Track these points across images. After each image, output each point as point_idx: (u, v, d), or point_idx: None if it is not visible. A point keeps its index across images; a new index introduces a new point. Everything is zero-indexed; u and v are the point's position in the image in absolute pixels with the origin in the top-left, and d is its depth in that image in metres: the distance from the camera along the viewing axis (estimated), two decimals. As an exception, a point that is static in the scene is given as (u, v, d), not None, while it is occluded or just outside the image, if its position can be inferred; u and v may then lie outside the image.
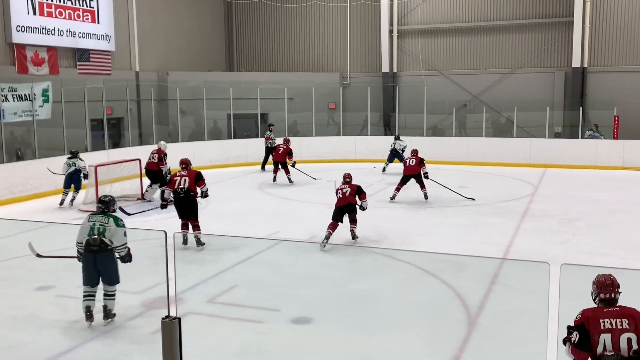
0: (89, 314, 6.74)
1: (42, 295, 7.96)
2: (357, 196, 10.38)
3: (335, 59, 25.82)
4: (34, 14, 17.24)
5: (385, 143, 20.41)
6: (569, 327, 4.32)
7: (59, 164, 14.60)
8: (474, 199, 14.19)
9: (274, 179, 17.11)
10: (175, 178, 10.33)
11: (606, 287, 4.33)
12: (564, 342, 4.35)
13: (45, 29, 17.61)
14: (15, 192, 14.49)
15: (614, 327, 4.14)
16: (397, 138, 19.44)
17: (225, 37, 27.16)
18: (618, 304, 4.32)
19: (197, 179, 10.23)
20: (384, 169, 19.08)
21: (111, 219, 6.92)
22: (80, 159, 14.02)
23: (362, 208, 10.47)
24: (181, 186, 10.16)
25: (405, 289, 7.90)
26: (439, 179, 15.01)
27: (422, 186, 14.05)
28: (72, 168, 13.81)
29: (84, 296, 6.78)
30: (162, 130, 21.05)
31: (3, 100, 15.56)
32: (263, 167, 19.38)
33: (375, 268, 8.66)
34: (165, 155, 14.27)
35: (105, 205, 7.13)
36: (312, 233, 11.14)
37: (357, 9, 25.12)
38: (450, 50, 24.18)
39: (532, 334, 6.26)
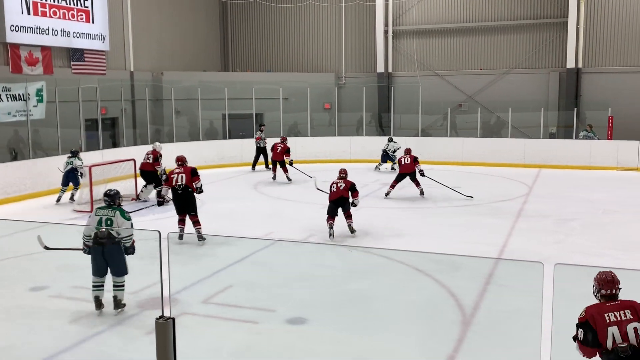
0: (98, 303, 7.02)
1: (36, 295, 7.93)
2: (350, 192, 10.80)
3: (331, 59, 25.82)
4: (28, 13, 17.18)
5: (381, 144, 20.45)
6: (576, 325, 4.44)
7: (56, 163, 14.81)
8: (472, 197, 14.33)
9: (274, 177, 17.34)
10: (172, 175, 10.53)
11: (607, 284, 4.50)
12: (574, 339, 4.49)
13: (40, 28, 17.55)
14: (9, 192, 14.44)
15: (619, 319, 4.27)
16: (390, 140, 19.49)
17: (221, 37, 27.13)
18: (618, 299, 4.47)
19: (193, 174, 10.50)
20: (376, 167, 19.47)
21: (117, 212, 7.22)
22: (79, 158, 14.32)
23: (353, 204, 10.87)
24: (179, 183, 10.41)
25: (400, 289, 7.90)
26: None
27: (417, 184, 14.46)
28: (69, 166, 14.11)
29: (93, 286, 7.03)
30: (157, 130, 21.01)
31: (-3, 100, 15.54)
32: (253, 167, 19.45)
33: (370, 268, 8.65)
34: (160, 156, 14.25)
35: (111, 199, 7.40)
36: (307, 233, 11.14)
37: (352, 9, 25.13)
38: (445, 50, 24.21)
39: (527, 333, 6.27)
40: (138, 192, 14.47)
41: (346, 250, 9.77)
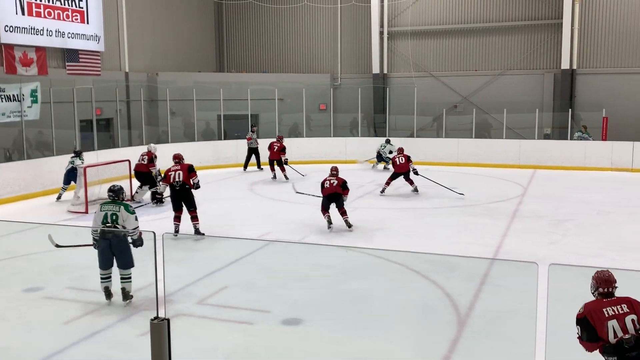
0: (108, 293, 7.36)
1: (30, 296, 7.90)
2: (341, 189, 11.50)
3: (326, 60, 25.82)
4: (23, 14, 17.12)
5: (376, 145, 20.51)
6: (576, 321, 4.62)
7: (51, 164, 14.91)
8: (463, 195, 14.55)
9: (274, 177, 17.67)
10: (170, 173, 10.81)
11: (605, 282, 4.68)
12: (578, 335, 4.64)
13: (34, 29, 17.49)
14: (3, 194, 14.39)
15: (617, 312, 4.47)
16: (387, 141, 19.54)
17: (216, 37, 27.10)
18: (615, 297, 4.67)
19: (190, 171, 10.79)
20: (373, 166, 19.74)
21: (122, 207, 7.54)
22: (80, 158, 14.55)
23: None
24: (176, 180, 10.71)
25: (395, 290, 7.90)
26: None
27: (411, 182, 14.96)
28: (70, 166, 14.36)
29: (102, 279, 7.37)
30: (152, 131, 20.96)
31: (-9, 101, 15.48)
32: (245, 168, 19.53)
33: (366, 269, 8.65)
34: (155, 157, 14.22)
35: (115, 194, 7.74)
36: (303, 233, 11.15)
37: (348, 10, 25.14)
38: (440, 51, 24.25)
39: (522, 334, 6.28)
40: (133, 193, 14.44)
41: (342, 251, 9.77)
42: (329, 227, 11.26)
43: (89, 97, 18.06)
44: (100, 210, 7.60)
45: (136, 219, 7.59)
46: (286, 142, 18.48)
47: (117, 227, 7.41)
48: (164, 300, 4.45)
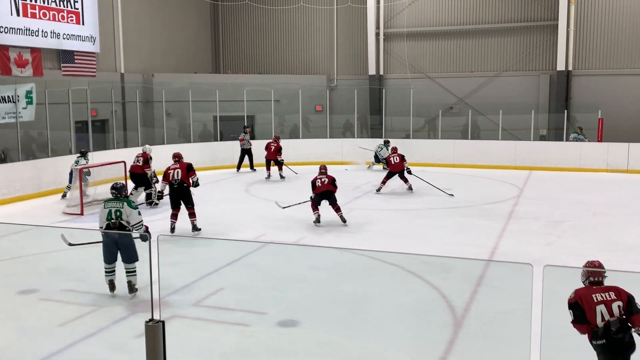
0: (112, 286, 7.63)
1: (25, 298, 7.87)
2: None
3: (322, 61, 25.83)
4: (18, 15, 17.07)
5: (373, 145, 20.54)
6: (568, 306, 4.95)
7: (46, 166, 14.93)
8: (452, 195, 14.81)
9: (268, 176, 17.91)
10: (169, 171, 11.13)
11: (595, 272, 5.05)
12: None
13: (29, 30, 17.45)
14: (-2, 195, 14.36)
15: (606, 299, 4.83)
16: (386, 142, 19.54)
17: (212, 39, 27.09)
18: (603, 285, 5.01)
19: (188, 170, 11.14)
20: (369, 167, 19.87)
21: (125, 203, 7.85)
22: (85, 158, 14.88)
23: None
24: (175, 178, 11.05)
25: (391, 291, 7.90)
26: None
27: (406, 180, 15.38)
28: (75, 165, 14.58)
29: (106, 272, 7.63)
30: (148, 132, 20.92)
31: (-14, 102, 15.44)
32: (238, 169, 19.59)
33: (361, 270, 8.65)
34: (150, 158, 14.18)
35: (118, 191, 8.01)
36: (299, 235, 11.14)
37: (344, 11, 25.15)
38: (436, 53, 24.28)
39: (517, 335, 6.28)
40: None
41: (338, 252, 9.76)
42: (317, 223, 11.77)
43: (84, 98, 18.02)
44: (104, 208, 7.86)
45: (139, 214, 7.90)
46: (282, 143, 18.60)
47: (121, 223, 7.71)
48: (159, 302, 4.44)
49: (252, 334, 6.78)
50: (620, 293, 4.87)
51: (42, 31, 17.89)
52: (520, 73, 23.11)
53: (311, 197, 12.09)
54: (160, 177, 14.39)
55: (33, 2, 17.53)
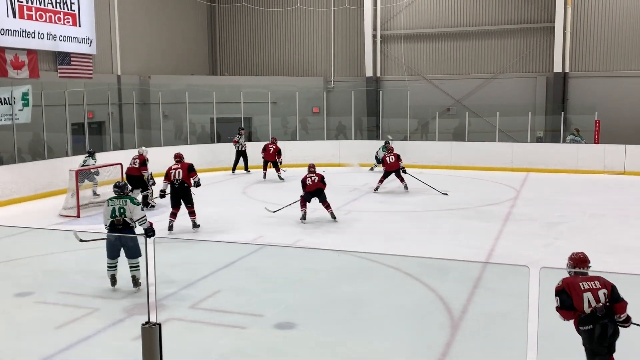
0: (113, 281, 7.93)
1: (21, 301, 7.84)
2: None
3: (319, 63, 25.83)
4: (14, 16, 17.04)
5: (369, 147, 20.57)
6: (555, 293, 5.19)
7: (42, 168, 15.04)
8: (447, 194, 15.10)
9: (264, 176, 18.17)
10: (170, 171, 11.48)
11: (580, 262, 5.47)
12: (556, 308, 5.21)
13: (26, 32, 17.41)
14: (-6, 197, 14.31)
15: (592, 287, 5.11)
16: (387, 143, 19.53)
17: (209, 40, 27.07)
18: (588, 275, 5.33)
19: (190, 170, 11.51)
20: (371, 168, 19.98)
21: (127, 200, 8.13)
22: (93, 158, 15.27)
23: None
24: (176, 178, 11.40)
25: (388, 293, 7.89)
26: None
27: (402, 179, 15.70)
28: (83, 165, 15.03)
29: (108, 267, 7.90)
30: (144, 134, 20.89)
31: (-18, 104, 15.40)
32: (233, 170, 19.63)
33: (358, 272, 8.64)
34: (147, 160, 14.14)
35: (121, 189, 8.31)
36: (296, 237, 11.13)
37: (341, 13, 25.16)
38: (433, 55, 24.30)
39: (514, 336, 6.28)
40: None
41: (335, 255, 9.75)
42: (303, 220, 12.18)
43: (81, 100, 17.99)
44: (108, 206, 8.11)
45: (142, 209, 8.25)
46: (280, 144, 18.66)
47: (125, 220, 8.00)
48: (156, 305, 4.42)
49: (249, 337, 6.77)
50: (604, 282, 5.15)
51: (39, 33, 17.86)
52: (517, 75, 23.14)
53: (301, 196, 12.41)
54: (157, 179, 14.44)
55: (29, 4, 17.50)
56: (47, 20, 18.15)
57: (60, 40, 18.63)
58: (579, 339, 5.32)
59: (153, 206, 13.72)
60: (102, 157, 16.87)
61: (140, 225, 8.13)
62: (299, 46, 26.10)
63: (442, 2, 23.93)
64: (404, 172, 15.67)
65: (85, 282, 8.45)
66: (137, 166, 14.00)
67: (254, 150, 19.22)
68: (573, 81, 22.39)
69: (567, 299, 5.11)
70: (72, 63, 19.15)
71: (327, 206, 12.34)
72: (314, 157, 20.93)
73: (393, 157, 15.66)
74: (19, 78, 17.17)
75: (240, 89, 21.65)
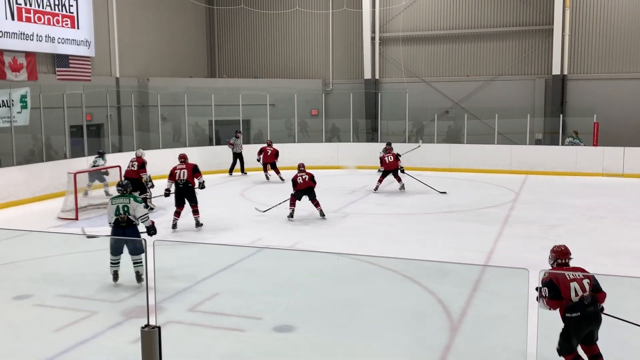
0: (115, 277, 8.16)
1: (19, 304, 7.82)
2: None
3: (318, 65, 25.85)
4: (12, 19, 17.04)
5: (368, 150, 20.57)
6: (538, 287, 5.41)
7: (40, 170, 15.06)
8: (445, 192, 15.50)
9: (267, 177, 18.51)
10: (175, 171, 11.80)
11: (562, 255, 5.73)
12: (537, 299, 5.44)
13: (24, 34, 17.41)
14: (-8, 200, 14.29)
15: (576, 277, 5.42)
16: (389, 144, 19.53)
17: (207, 43, 27.08)
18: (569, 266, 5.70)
19: (194, 171, 11.85)
20: (379, 170, 19.93)
21: (131, 198, 8.37)
22: (103, 158, 15.58)
23: None
24: (181, 178, 11.72)
25: (387, 296, 7.88)
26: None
27: (399, 179, 15.96)
28: (93, 165, 15.37)
29: (111, 263, 8.14)
30: (143, 136, 20.88)
31: (-19, 107, 15.37)
32: (230, 173, 19.72)
33: (357, 275, 8.63)
34: (145, 162, 14.10)
35: (124, 188, 8.57)
36: (294, 240, 11.11)
37: (339, 16, 25.18)
38: (431, 57, 24.32)
39: (513, 339, 6.27)
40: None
41: (333, 257, 9.74)
42: (291, 218, 12.54)
43: (79, 102, 17.97)
44: (112, 204, 8.33)
45: (145, 207, 8.46)
46: (278, 147, 18.77)
47: (129, 217, 8.23)
48: (155, 308, 4.41)
49: (248, 340, 6.76)
50: (585, 272, 5.53)
51: (37, 35, 17.85)
52: (516, 77, 23.16)
53: (292, 194, 12.73)
54: (155, 182, 14.44)
55: (28, 7, 17.50)
56: (46, 23, 18.14)
57: (59, 43, 18.62)
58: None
59: (152, 208, 13.70)
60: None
61: (142, 222, 8.34)
62: (298, 48, 26.11)
63: (440, 5, 23.95)
64: (402, 171, 15.92)
65: (84, 285, 8.44)
66: (135, 169, 13.97)
67: (253, 152, 19.25)
68: (572, 83, 22.42)
69: (555, 289, 5.33)
70: (71, 65, 19.14)
71: (317, 204, 12.72)
72: (312, 160, 20.99)
73: (391, 157, 15.90)
74: (18, 80, 17.16)
75: (239, 92, 21.66)
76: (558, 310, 5.40)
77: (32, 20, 17.69)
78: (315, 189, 12.86)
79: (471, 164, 20.39)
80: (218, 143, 21.48)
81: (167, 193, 12.09)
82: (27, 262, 9.28)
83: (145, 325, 4.03)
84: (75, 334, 6.69)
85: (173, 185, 11.91)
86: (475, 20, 23.58)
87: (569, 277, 5.42)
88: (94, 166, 15.21)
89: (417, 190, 15.68)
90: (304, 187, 12.68)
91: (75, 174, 13.42)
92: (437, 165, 20.52)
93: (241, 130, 20.69)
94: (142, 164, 13.96)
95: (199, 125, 22.54)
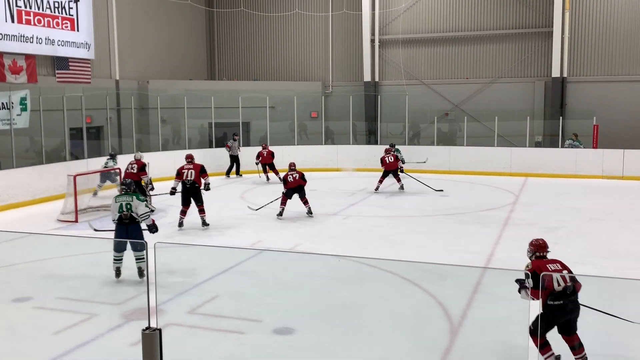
0: (118, 273, 8.37)
1: (19, 306, 7.81)
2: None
3: (318, 68, 25.86)
4: (12, 21, 17.03)
5: (368, 152, 20.57)
6: (520, 279, 5.72)
7: (40, 172, 15.10)
8: (442, 190, 16.06)
9: (267, 179, 18.84)
10: (183, 170, 12.04)
11: (541, 248, 6.03)
12: (519, 290, 5.70)
13: (24, 36, 17.40)
14: (-8, 202, 14.27)
15: (557, 268, 5.75)
16: (392, 145, 19.54)
17: (207, 45, 27.09)
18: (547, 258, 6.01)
19: (202, 171, 12.14)
20: None
21: (134, 196, 8.63)
22: (114, 160, 15.82)
23: None
24: (188, 178, 11.96)
25: (387, 298, 7.88)
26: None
27: (399, 179, 16.28)
28: (104, 166, 15.63)
29: (114, 260, 8.36)
30: (143, 139, 20.88)
31: (-20, 109, 15.37)
32: (227, 174, 19.79)
33: (357, 277, 8.62)
34: (145, 165, 14.07)
35: (127, 187, 8.90)
36: (294, 242, 11.10)
37: (339, 18, 25.20)
38: (431, 59, 24.33)
39: (514, 342, 6.27)
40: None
41: (333, 259, 9.74)
42: (280, 217, 12.93)
43: (79, 105, 17.96)
44: (116, 202, 8.58)
45: (146, 206, 8.69)
46: (277, 149, 18.98)
47: (132, 215, 8.48)
48: (156, 310, 4.40)
49: (248, 342, 6.74)
50: (562, 264, 5.85)
51: (37, 38, 17.85)
52: (516, 79, 23.18)
53: (283, 192, 13.08)
54: (155, 184, 14.45)
55: (28, 9, 17.50)
56: (46, 25, 18.14)
57: (59, 45, 18.62)
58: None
59: (152, 210, 13.65)
60: (100, 162, 16.87)
61: (143, 220, 8.56)
62: (297, 51, 26.12)
63: (440, 7, 23.97)
64: (401, 171, 16.38)
65: (84, 288, 8.43)
66: (135, 171, 13.94)
67: (252, 154, 19.33)
68: (571, 86, 22.43)
69: (538, 280, 5.58)
70: (71, 68, 19.14)
71: (305, 202, 13.15)
72: (311, 162, 21.02)
73: (392, 158, 16.22)
74: (17, 83, 17.15)
75: (239, 94, 21.66)
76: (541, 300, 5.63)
77: (32, 23, 17.68)
78: (314, 189, 13.13)
79: (471, 166, 20.39)
80: (217, 145, 21.48)
81: (173, 191, 12.31)
82: (26, 264, 9.28)
83: (146, 328, 4.02)
84: (75, 337, 6.68)
85: (180, 184, 12.11)
86: (474, 22, 23.60)
87: (550, 268, 5.74)
88: (104, 167, 15.47)
89: (417, 192, 15.70)
90: (295, 186, 13.05)
91: (75, 176, 13.40)
92: (437, 168, 20.51)
93: (239, 133, 20.73)
94: (142, 167, 13.94)
95: (203, 127, 22.57)
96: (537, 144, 21.90)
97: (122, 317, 7.27)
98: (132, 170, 14.01)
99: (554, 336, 5.63)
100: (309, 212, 13.16)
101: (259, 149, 19.22)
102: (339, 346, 6.51)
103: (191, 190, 12.03)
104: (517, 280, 5.74)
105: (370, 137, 23.81)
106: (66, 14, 18.85)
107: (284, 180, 13.27)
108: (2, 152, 16.31)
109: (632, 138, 20.57)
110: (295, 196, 13.18)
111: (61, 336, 6.63)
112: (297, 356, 6.42)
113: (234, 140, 19.82)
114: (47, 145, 16.60)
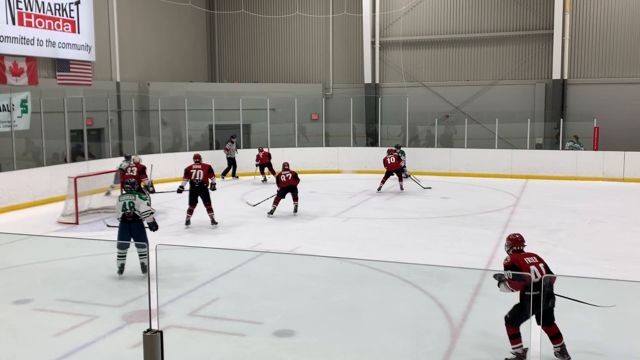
0: (121, 269, 8.65)
1: (19, 308, 7.81)
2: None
3: (318, 70, 25.87)
4: (13, 23, 17.05)
5: (368, 154, 20.57)
6: (498, 274, 5.93)
7: (41, 174, 15.09)
8: (430, 188, 16.77)
9: (264, 179, 19.10)
10: (191, 170, 12.30)
11: (518, 242, 6.29)
12: (499, 284, 5.89)
13: (25, 38, 17.42)
14: (-7, 204, 14.27)
15: (534, 261, 6.03)
16: (397, 147, 19.52)
17: (208, 47, 27.10)
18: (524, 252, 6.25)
19: (209, 171, 12.38)
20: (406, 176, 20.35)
21: (137, 195, 8.95)
22: (129, 162, 15.40)
23: None
24: (197, 178, 12.22)
25: (388, 300, 7.87)
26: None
27: (400, 179, 16.78)
28: (119, 167, 15.65)
29: (118, 256, 8.66)
30: (143, 141, 20.89)
31: (-19, 111, 15.38)
32: (223, 176, 19.85)
33: (358, 279, 8.62)
34: (145, 168, 14.05)
35: (132, 186, 9.20)
36: (295, 244, 11.10)
37: (340, 20, 25.21)
38: (432, 62, 24.34)
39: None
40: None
41: (334, 262, 9.73)
42: (270, 215, 13.29)
43: (80, 107, 17.98)
44: (120, 201, 8.91)
45: (148, 204, 9.00)
46: (277, 151, 19.17)
47: (135, 213, 8.80)
48: (157, 312, 4.40)
49: (249, 344, 6.74)
50: (539, 257, 6.14)
51: (38, 40, 17.86)
52: (516, 82, 23.19)
53: (277, 191, 13.51)
54: (156, 187, 14.47)
55: (29, 11, 17.51)
56: (47, 27, 18.16)
57: (60, 47, 18.64)
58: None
59: (152, 212, 13.66)
60: (101, 164, 16.88)
61: (144, 218, 8.87)
62: (298, 53, 26.14)
63: (440, 9, 23.99)
64: (402, 171, 16.87)
65: (84, 290, 8.42)
66: (135, 174, 13.91)
67: (251, 156, 19.38)
68: (572, 88, 22.44)
69: (517, 272, 5.86)
70: (71, 70, 19.15)
71: (296, 199, 13.66)
72: (312, 164, 21.04)
73: (393, 158, 16.68)
74: (18, 85, 17.17)
75: (239, 96, 21.68)
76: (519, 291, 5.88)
77: (33, 25, 17.70)
78: (314, 191, 13.26)
79: (472, 168, 20.40)
80: (218, 147, 21.48)
81: (180, 190, 12.58)
82: (27, 266, 9.28)
83: (147, 330, 4.02)
84: (76, 339, 6.68)
85: (188, 183, 12.35)
86: (475, 24, 23.62)
87: (528, 261, 6.00)
88: (119, 168, 15.51)
89: (418, 193, 15.70)
90: (287, 185, 13.47)
91: (75, 179, 13.41)
92: (438, 170, 20.52)
93: (239, 135, 20.77)
94: (142, 169, 13.92)
95: (199, 129, 22.58)
96: (538, 146, 21.90)
97: (123, 319, 7.26)
98: (131, 173, 13.99)
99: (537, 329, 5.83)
100: (295, 210, 13.62)
101: (255, 154, 19.54)
102: (339, 348, 6.50)
103: (199, 189, 12.29)
104: (495, 276, 5.93)
105: (368, 140, 23.82)
106: (67, 16, 18.87)
107: (277, 180, 13.68)
108: (2, 154, 16.33)
109: (633, 140, 20.58)
110: (289, 195, 13.58)
111: (62, 338, 6.63)
112: (298, 358, 6.41)
113: (232, 142, 19.91)
114: (47, 147, 16.60)
